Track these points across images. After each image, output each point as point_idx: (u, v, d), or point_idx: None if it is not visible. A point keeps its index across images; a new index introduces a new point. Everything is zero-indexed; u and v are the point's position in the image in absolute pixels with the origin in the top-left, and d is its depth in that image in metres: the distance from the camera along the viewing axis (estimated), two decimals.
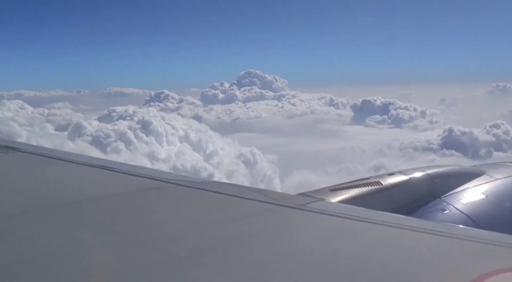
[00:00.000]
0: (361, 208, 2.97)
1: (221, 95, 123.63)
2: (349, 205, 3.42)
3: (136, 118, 61.06)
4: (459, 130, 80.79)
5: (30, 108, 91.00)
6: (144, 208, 2.69)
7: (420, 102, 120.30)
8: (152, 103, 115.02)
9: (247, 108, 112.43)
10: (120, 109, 69.05)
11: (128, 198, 2.90)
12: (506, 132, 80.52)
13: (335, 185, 4.01)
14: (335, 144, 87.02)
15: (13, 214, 2.53)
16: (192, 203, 2.87)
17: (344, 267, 1.77)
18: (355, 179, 4.29)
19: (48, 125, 71.75)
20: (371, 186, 4.11)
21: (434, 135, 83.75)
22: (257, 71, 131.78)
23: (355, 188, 3.99)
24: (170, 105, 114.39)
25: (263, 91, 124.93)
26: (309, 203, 2.76)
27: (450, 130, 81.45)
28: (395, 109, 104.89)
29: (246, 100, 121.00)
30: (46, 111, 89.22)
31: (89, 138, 59.10)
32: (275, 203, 2.70)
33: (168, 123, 62.38)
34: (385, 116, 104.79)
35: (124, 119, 63.21)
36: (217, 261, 1.83)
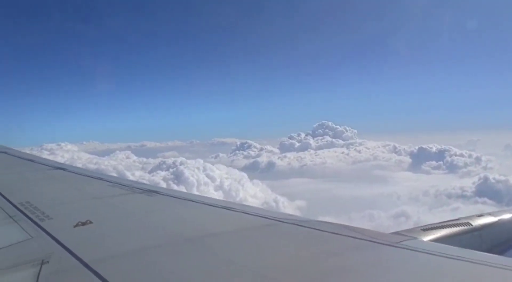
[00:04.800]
0: (453, 247, 2.87)
1: (297, 144, 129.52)
2: (440, 244, 3.17)
3: (172, 170, 69.30)
4: (494, 178, 76.37)
5: (134, 158, 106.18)
6: (259, 243, 2.84)
7: (485, 148, 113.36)
8: (237, 151, 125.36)
9: (316, 156, 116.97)
10: (169, 160, 77.13)
11: (244, 234, 3.08)
12: None
13: (426, 225, 3.83)
14: (377, 190, 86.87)
15: (153, 245, 2.80)
16: (299, 239, 2.96)
17: None
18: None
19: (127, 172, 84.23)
20: (461, 226, 3.92)
21: (469, 183, 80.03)
22: (330, 123, 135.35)
23: (445, 228, 3.80)
24: (252, 153, 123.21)
25: (333, 140, 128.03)
26: (402, 241, 2.75)
27: (485, 178, 77.30)
28: (450, 156, 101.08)
29: (319, 148, 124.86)
30: (145, 159, 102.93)
31: None
32: (371, 240, 2.73)
33: (208, 173, 70.45)
34: (441, 162, 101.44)
35: (163, 170, 71.72)
36: None
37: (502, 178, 76.53)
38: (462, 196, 76.63)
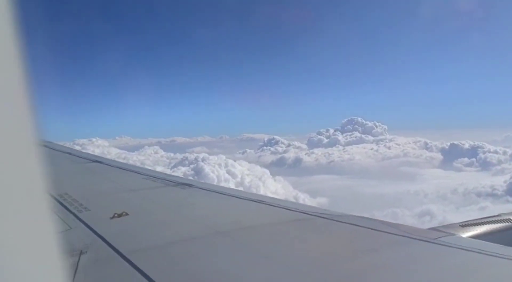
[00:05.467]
0: (493, 244, 2.80)
1: (325, 140, 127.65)
2: (479, 240, 3.13)
3: (192, 166, 69.86)
4: None
5: (162, 153, 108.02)
6: (293, 237, 2.83)
7: None
8: (264, 147, 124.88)
9: (344, 152, 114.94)
10: (192, 156, 77.78)
11: (278, 228, 3.08)
12: None
13: (464, 221, 3.76)
14: (403, 187, 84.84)
15: (187, 238, 2.82)
16: (333, 234, 2.95)
17: None
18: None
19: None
20: (502, 223, 3.79)
21: (501, 181, 76.55)
22: (359, 119, 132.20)
23: (485, 224, 3.71)
24: (280, 149, 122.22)
25: (363, 136, 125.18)
26: (440, 237, 2.71)
27: None
28: (484, 152, 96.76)
29: (347, 144, 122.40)
30: (172, 155, 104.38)
31: None
32: (408, 236, 2.70)
33: (229, 170, 70.65)
34: (473, 159, 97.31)
35: (185, 166, 72.62)
36: None
37: None
38: (492, 195, 73.56)
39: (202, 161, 71.96)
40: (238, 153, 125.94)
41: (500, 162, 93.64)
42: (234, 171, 70.93)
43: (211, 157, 74.83)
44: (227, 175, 68.11)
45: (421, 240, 2.65)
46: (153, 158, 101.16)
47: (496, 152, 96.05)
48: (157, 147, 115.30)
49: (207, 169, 66.79)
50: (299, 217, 3.41)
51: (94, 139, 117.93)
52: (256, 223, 3.21)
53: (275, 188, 70.82)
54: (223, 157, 76.43)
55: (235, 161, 77.15)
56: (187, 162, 75.36)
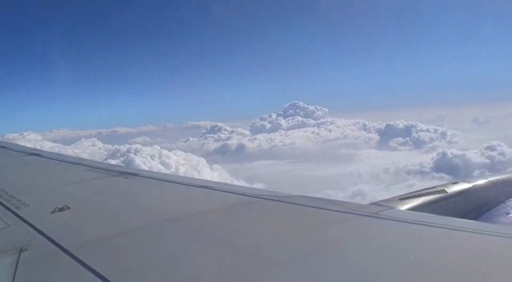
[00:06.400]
0: (429, 214, 2.95)
1: (268, 126, 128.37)
2: (417, 212, 3.28)
3: (122, 158, 66.95)
4: (452, 153, 76.05)
5: (100, 145, 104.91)
6: (242, 220, 2.88)
7: (454, 123, 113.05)
8: (207, 135, 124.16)
9: (286, 136, 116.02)
10: (124, 148, 75.06)
11: (228, 211, 3.10)
12: (501, 154, 73.60)
13: (403, 194, 3.88)
14: (340, 169, 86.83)
15: (134, 228, 2.77)
16: (281, 215, 3.00)
17: (417, 270, 1.80)
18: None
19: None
20: (437, 194, 3.97)
21: (428, 159, 79.83)
22: (300, 103, 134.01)
23: (422, 196, 3.85)
24: (223, 136, 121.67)
25: (304, 119, 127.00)
26: (380, 211, 2.82)
27: (443, 154, 77.02)
28: (417, 131, 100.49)
29: (290, 129, 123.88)
30: (111, 146, 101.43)
31: None
32: (351, 212, 2.80)
33: (163, 160, 69.40)
34: (407, 138, 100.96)
35: (115, 158, 68.44)
36: (309, 264, 1.94)
37: (460, 152, 76.38)
38: (420, 172, 76.63)
39: (135, 152, 70.36)
40: (181, 141, 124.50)
41: (432, 140, 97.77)
42: (169, 162, 69.95)
43: (144, 148, 73.30)
44: (160, 166, 67.02)
45: (362, 215, 2.76)
46: (90, 151, 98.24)
47: (428, 131, 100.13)
48: (95, 139, 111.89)
49: (138, 161, 65.32)
50: (248, 200, 3.45)
51: (26, 133, 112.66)
52: (205, 208, 3.21)
53: (210, 177, 70.43)
54: (158, 147, 75.14)
55: (170, 151, 75.99)
56: (118, 154, 73.41)
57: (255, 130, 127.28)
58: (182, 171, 68.22)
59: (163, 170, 66.81)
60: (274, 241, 2.37)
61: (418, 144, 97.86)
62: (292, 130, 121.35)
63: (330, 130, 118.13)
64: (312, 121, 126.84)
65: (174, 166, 69.09)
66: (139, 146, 75.14)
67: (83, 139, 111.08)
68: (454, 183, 4.31)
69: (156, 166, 66.45)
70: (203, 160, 75.81)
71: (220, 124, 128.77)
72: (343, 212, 2.86)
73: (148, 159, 67.27)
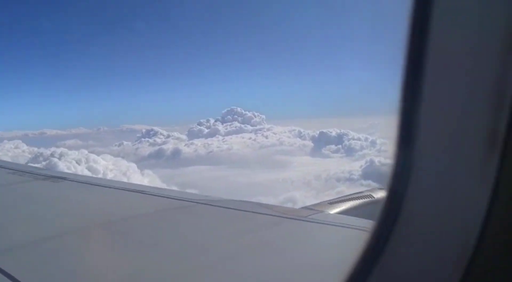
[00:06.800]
0: (356, 218, 3.03)
1: (206, 131, 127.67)
2: (344, 215, 3.40)
3: (45, 162, 64.85)
4: (379, 162, 79.21)
5: (24, 147, 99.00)
6: (173, 225, 2.83)
7: (385, 131, 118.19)
8: (142, 139, 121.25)
9: (223, 142, 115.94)
10: (47, 152, 71.06)
11: (159, 216, 3.03)
12: None
13: (333, 199, 4.01)
14: (274, 175, 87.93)
15: (61, 233, 2.65)
16: (213, 219, 2.99)
17: (337, 270, 1.84)
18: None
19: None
20: (364, 199, 4.14)
21: (357, 167, 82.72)
22: (238, 109, 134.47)
23: (350, 201, 4.01)
24: (158, 140, 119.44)
25: (242, 125, 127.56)
26: (310, 215, 2.86)
27: (371, 161, 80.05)
28: (348, 139, 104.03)
29: (227, 134, 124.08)
30: (36, 149, 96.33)
31: None
32: (282, 216, 2.85)
33: (90, 166, 66.70)
34: (340, 146, 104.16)
35: (37, 163, 66.38)
36: (237, 267, 2.00)
37: (387, 161, 79.08)
38: (349, 179, 79.16)
39: (59, 157, 67.06)
40: (114, 145, 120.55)
41: (362, 148, 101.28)
42: (96, 167, 67.24)
43: (70, 152, 70.05)
44: (86, 172, 64.19)
45: (293, 218, 2.79)
46: (13, 154, 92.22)
47: (359, 139, 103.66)
48: (19, 141, 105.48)
49: (62, 165, 62.24)
50: (180, 204, 3.42)
51: None
52: (136, 213, 3.15)
53: (140, 183, 68.42)
54: (85, 151, 72.10)
55: (99, 155, 73.24)
56: (41, 158, 69.73)
57: (192, 135, 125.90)
58: (110, 177, 65.93)
59: (90, 175, 64.23)
60: (200, 246, 2.34)
61: (349, 151, 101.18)
62: (230, 136, 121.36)
63: (267, 137, 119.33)
64: (249, 127, 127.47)
65: (102, 172, 66.55)
66: (64, 149, 71.77)
67: (6, 141, 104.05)
68: (380, 189, 4.47)
69: (82, 172, 63.59)
70: (133, 165, 73.70)
71: (156, 128, 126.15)
72: (274, 215, 2.94)
73: (73, 163, 64.31)
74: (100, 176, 65.04)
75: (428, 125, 0.92)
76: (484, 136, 0.81)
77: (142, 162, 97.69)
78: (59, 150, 70.34)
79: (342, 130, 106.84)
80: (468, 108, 0.84)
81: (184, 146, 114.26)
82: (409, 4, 0.88)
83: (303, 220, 2.82)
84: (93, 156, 69.82)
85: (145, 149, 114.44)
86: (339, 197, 4.16)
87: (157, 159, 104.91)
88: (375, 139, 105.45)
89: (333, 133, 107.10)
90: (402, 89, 0.96)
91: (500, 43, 0.77)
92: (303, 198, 64.32)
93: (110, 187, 4.37)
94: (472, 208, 0.86)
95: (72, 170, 62.69)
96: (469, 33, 0.82)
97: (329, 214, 3.47)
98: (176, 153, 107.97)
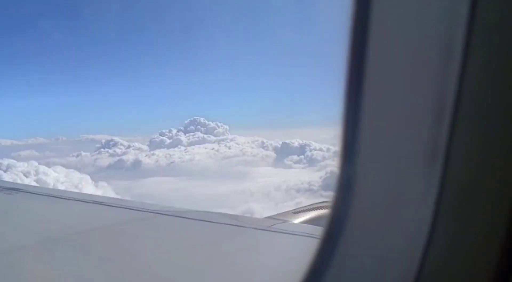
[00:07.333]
0: (316, 226, 3.08)
1: (168, 141, 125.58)
2: (307, 225, 3.44)
3: None
4: None
5: None
6: (133, 237, 2.77)
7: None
8: (102, 149, 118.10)
9: (186, 152, 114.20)
10: (6, 162, 68.08)
11: (118, 228, 2.96)
12: None
13: (297, 208, 4.10)
14: (234, 186, 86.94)
15: (12, 248, 2.57)
16: (176, 231, 2.95)
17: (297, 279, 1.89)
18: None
19: None
20: (326, 208, 4.08)
21: (317, 177, 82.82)
22: (201, 119, 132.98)
23: (313, 210, 4.09)
24: (119, 151, 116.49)
25: (205, 136, 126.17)
26: (273, 225, 2.97)
27: (332, 173, 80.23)
28: (311, 150, 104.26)
29: (190, 144, 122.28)
30: None
31: None
32: (245, 226, 2.87)
33: (40, 178, 64.14)
34: (302, 156, 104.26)
35: None
36: (198, 279, 1.94)
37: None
38: (309, 190, 79.02)
39: (6, 169, 64.16)
40: (72, 156, 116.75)
41: (324, 159, 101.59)
42: (46, 179, 64.60)
43: (19, 164, 67.21)
44: (35, 184, 61.57)
45: (256, 228, 2.79)
46: None
47: (321, 149, 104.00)
48: None
49: (7, 178, 59.30)
50: (141, 216, 3.34)
51: None
52: (95, 225, 3.06)
53: (93, 192, 66.17)
54: (35, 163, 69.35)
55: (50, 167, 70.51)
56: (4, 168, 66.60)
57: (154, 145, 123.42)
58: (61, 188, 63.53)
59: (46, 187, 61.57)
60: (161, 259, 2.28)
61: (311, 162, 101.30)
62: (192, 147, 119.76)
63: (230, 147, 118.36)
64: (213, 138, 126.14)
65: (51, 184, 63.93)
66: (12, 161, 68.69)
67: None
68: None
69: (31, 184, 61.17)
70: (87, 177, 71.21)
71: (116, 138, 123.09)
72: (237, 225, 2.93)
73: (20, 176, 61.52)
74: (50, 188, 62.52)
75: (370, 135, 0.90)
76: (425, 147, 0.79)
77: (100, 173, 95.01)
78: (6, 161, 67.24)
79: (304, 141, 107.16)
80: (408, 119, 0.82)
81: (145, 156, 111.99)
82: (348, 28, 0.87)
83: (265, 230, 2.85)
84: (42, 168, 67.07)
85: (104, 159, 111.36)
86: (303, 207, 4.19)
87: (116, 170, 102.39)
88: (337, 150, 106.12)
89: (296, 144, 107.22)
90: (344, 100, 0.95)
91: (441, 48, 0.75)
92: (261, 210, 63.53)
93: (67, 198, 4.33)
94: (415, 219, 0.85)
95: (18, 182, 60.03)
96: (409, 39, 0.80)
97: (292, 223, 3.56)
98: (137, 163, 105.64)
